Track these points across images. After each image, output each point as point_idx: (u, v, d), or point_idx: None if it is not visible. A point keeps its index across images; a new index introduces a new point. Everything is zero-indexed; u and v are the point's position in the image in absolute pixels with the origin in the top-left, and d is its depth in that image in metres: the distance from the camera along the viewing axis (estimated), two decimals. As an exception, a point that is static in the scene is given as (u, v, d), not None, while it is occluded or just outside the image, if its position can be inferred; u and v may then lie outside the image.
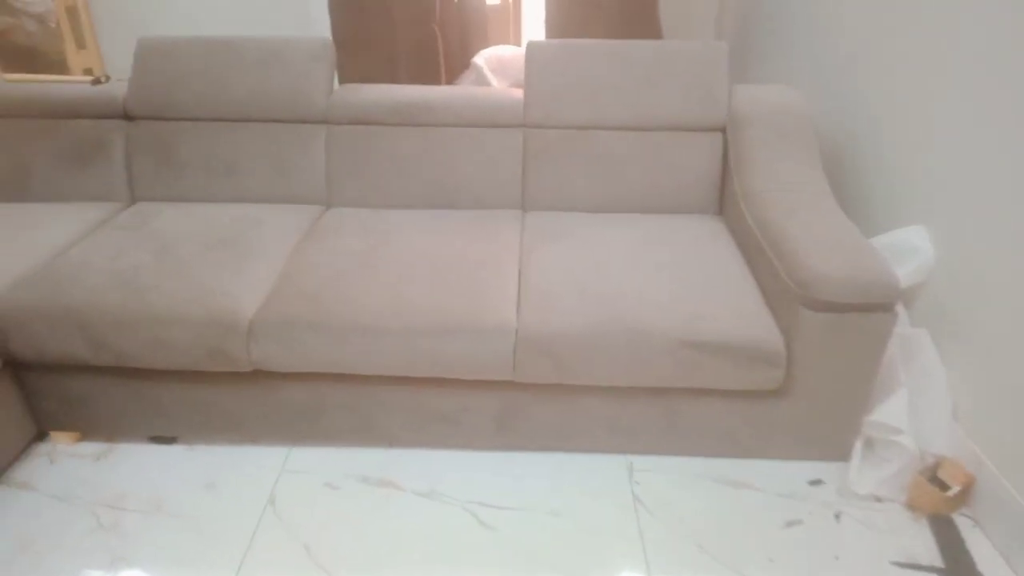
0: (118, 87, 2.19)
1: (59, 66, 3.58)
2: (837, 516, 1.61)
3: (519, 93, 2.15)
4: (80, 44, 3.71)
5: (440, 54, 3.34)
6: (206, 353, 1.60)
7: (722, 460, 1.76)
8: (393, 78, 3.26)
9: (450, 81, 3.53)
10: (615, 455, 1.79)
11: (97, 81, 2.21)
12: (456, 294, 1.64)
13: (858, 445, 1.68)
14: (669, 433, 1.72)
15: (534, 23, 3.93)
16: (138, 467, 1.76)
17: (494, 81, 3.40)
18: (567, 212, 2.11)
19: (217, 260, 1.76)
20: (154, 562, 1.50)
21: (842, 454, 1.71)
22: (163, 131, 2.14)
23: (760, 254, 1.73)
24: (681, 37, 3.53)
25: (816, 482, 1.70)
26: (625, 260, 1.77)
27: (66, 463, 1.78)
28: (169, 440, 1.84)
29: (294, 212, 2.07)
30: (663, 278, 1.69)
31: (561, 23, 3.30)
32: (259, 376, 1.68)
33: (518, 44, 3.92)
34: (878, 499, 1.64)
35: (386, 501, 1.66)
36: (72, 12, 3.65)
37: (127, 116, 2.17)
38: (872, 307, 1.50)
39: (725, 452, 1.75)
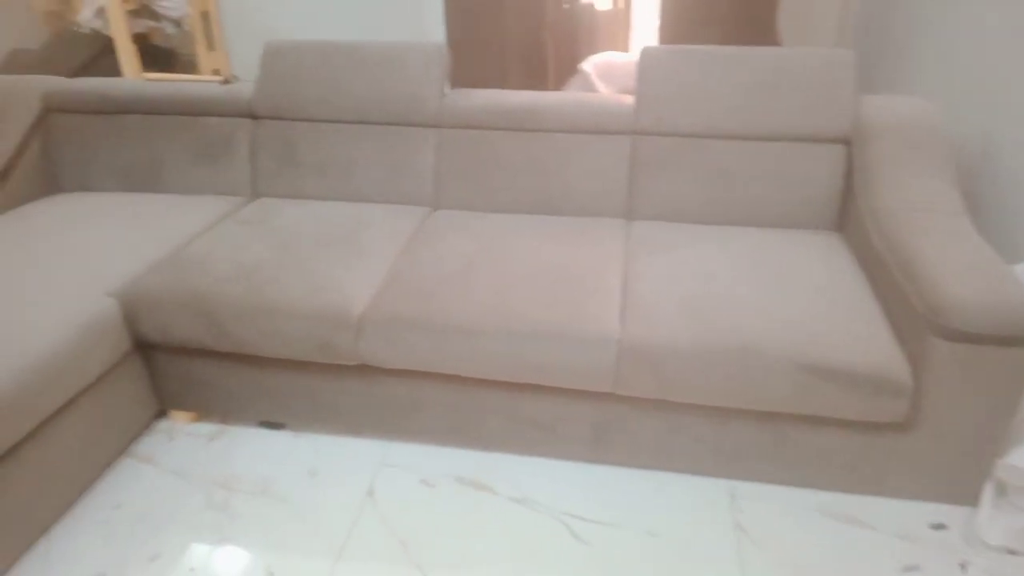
0: (245, 87, 2.31)
1: (191, 67, 3.83)
2: (962, 566, 1.48)
3: (629, 99, 2.12)
4: (210, 46, 3.95)
5: (549, 59, 3.35)
6: (317, 345, 1.66)
7: (834, 494, 1.66)
8: (502, 82, 3.30)
9: (557, 87, 3.52)
10: (717, 479, 1.72)
11: (226, 81, 2.34)
12: (558, 301, 1.63)
13: (988, 489, 1.55)
14: (777, 460, 1.64)
15: (645, 29, 3.87)
16: (248, 450, 1.85)
17: (601, 87, 3.37)
18: (674, 223, 2.05)
19: (330, 257, 1.82)
20: (259, 544, 1.57)
21: (969, 498, 1.58)
22: (285, 130, 2.24)
23: (886, 276, 1.62)
24: (799, 45, 3.38)
25: (939, 526, 1.58)
26: (737, 274, 1.70)
27: (183, 441, 1.88)
28: (278, 426, 1.92)
29: (403, 213, 2.12)
30: (778, 295, 1.62)
31: (675, 29, 3.23)
32: (364, 370, 1.73)
33: (628, 50, 3.87)
34: (1011, 552, 1.50)
35: (480, 503, 1.67)
36: (205, 17, 3.90)
37: (253, 115, 2.28)
38: (1013, 340, 1.37)
39: (838, 486, 1.65)
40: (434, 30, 3.39)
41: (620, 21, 3.97)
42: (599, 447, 1.72)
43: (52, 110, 2.34)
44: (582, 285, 1.69)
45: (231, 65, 3.98)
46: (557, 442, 1.74)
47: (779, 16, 3.23)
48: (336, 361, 1.68)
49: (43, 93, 2.34)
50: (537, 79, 3.41)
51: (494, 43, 3.25)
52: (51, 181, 2.35)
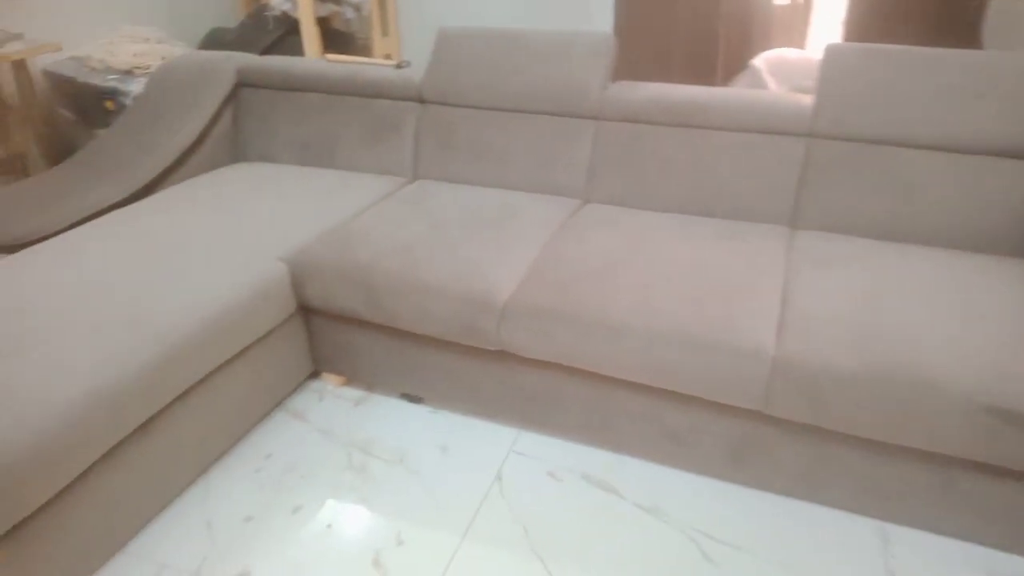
0: (416, 72, 2.40)
1: (366, 51, 4.05)
2: None
3: (806, 99, 1.98)
4: (385, 32, 4.16)
5: (718, 53, 3.21)
6: (461, 327, 1.69)
7: (1005, 554, 1.47)
8: (665, 75, 3.20)
9: (724, 82, 3.37)
10: (867, 518, 1.58)
11: (399, 66, 2.44)
12: (709, 307, 1.55)
13: None
14: (940, 507, 1.47)
15: (826, 24, 3.60)
16: (388, 418, 1.93)
17: (772, 85, 3.17)
18: (845, 235, 1.90)
19: (481, 241, 1.85)
20: (390, 511, 1.63)
21: None
22: (448, 115, 2.31)
23: (1103, 317, 1.40)
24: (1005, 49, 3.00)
25: None
26: (916, 298, 1.54)
27: (331, 402, 2.00)
28: (417, 399, 1.99)
29: (553, 203, 2.12)
30: (963, 325, 1.45)
31: (863, 25, 2.98)
32: (504, 356, 1.75)
33: (804, 47, 3.63)
34: None
35: (606, 505, 1.64)
36: (382, 3, 4.10)
37: (420, 99, 2.36)
38: None
39: (1010, 545, 1.46)
40: (601, 19, 3.35)
41: (798, 16, 3.72)
42: (737, 466, 1.63)
43: (243, 85, 2.56)
44: (737, 292, 1.60)
45: (402, 50, 4.16)
46: (692, 454, 1.67)
47: (986, 20, 2.88)
48: (478, 344, 1.71)
49: (236, 69, 2.55)
50: (703, 73, 3.28)
51: (662, 34, 3.15)
52: (237, 150, 2.57)
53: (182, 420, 1.60)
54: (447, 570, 1.48)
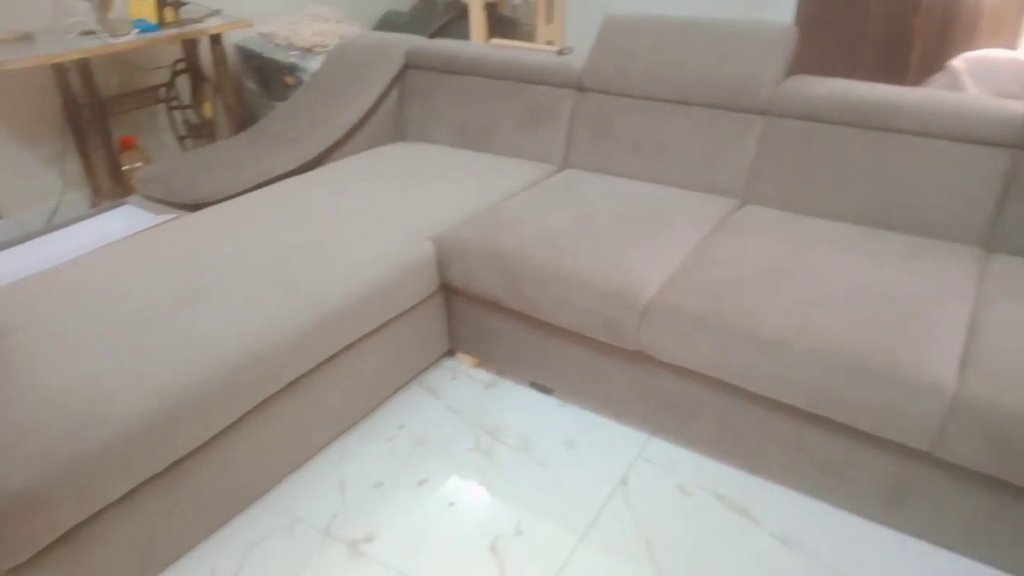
0: (577, 59, 2.35)
1: (530, 37, 4.06)
2: None
3: (1016, 107, 1.72)
4: (549, 18, 4.15)
5: (913, 51, 2.90)
6: (601, 322, 1.64)
7: None
8: (850, 71, 2.94)
9: (917, 83, 3.05)
10: (1051, 591, 1.37)
11: (562, 52, 2.40)
12: (880, 330, 1.39)
13: None
14: None
15: (1048, 22, 3.15)
16: (516, 405, 1.92)
17: (972, 88, 2.82)
18: (1054, 265, 1.64)
19: (629, 236, 1.78)
20: (511, 498, 1.63)
21: None
22: (607, 105, 2.25)
23: None
24: None
25: None
26: None
27: (463, 382, 2.03)
28: (547, 390, 1.97)
29: (709, 202, 2.00)
30: None
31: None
32: (641, 357, 1.68)
33: (1016, 47, 3.20)
34: None
35: (738, 529, 1.53)
36: (548, -11, 4.10)
37: (580, 87, 2.32)
38: None
39: None
40: (780, 10, 3.13)
41: (1011, 13, 3.29)
42: (893, 509, 1.46)
43: (410, 66, 2.64)
44: (914, 318, 1.43)
45: (565, 37, 4.14)
46: (842, 488, 1.52)
47: None
48: (616, 342, 1.66)
49: (406, 50, 2.63)
50: (892, 74, 2.98)
51: (849, 29, 2.89)
52: (399, 129, 2.67)
53: (326, 383, 1.68)
54: (562, 571, 1.45)
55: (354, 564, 1.47)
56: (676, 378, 1.65)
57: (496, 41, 2.59)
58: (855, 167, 1.87)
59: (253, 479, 1.57)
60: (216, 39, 3.07)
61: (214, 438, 1.43)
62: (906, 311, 1.45)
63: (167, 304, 1.53)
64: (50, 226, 2.11)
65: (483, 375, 2.06)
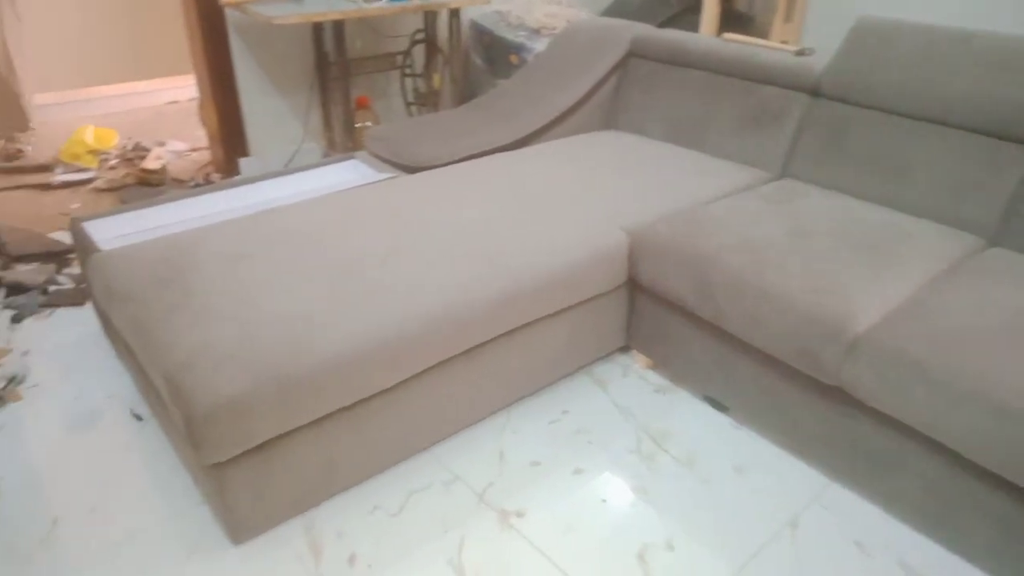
0: (817, 61, 2.17)
1: (763, 35, 3.82)
2: None
3: None
4: (788, 17, 3.88)
5: None
6: (796, 348, 1.51)
7: None
8: None
9: None
10: None
11: (801, 53, 2.23)
12: None
13: None
14: None
15: None
16: (687, 417, 1.84)
17: None
18: None
19: (847, 260, 1.62)
20: (667, 510, 1.56)
21: None
22: (844, 114, 2.05)
23: None
24: None
25: None
26: None
27: (634, 382, 1.98)
28: (722, 407, 1.87)
29: (950, 237, 1.77)
30: None
31: None
32: (837, 394, 1.53)
33: None
34: None
35: (920, 607, 1.35)
36: (793, -13, 3.83)
37: (815, 92, 2.14)
38: None
39: None
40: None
41: None
42: None
43: (634, 54, 2.59)
44: None
45: (802, 39, 3.85)
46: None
47: None
48: (810, 372, 1.52)
49: (632, 37, 2.59)
50: None
51: None
52: (612, 116, 2.64)
53: (503, 354, 1.72)
54: (711, 597, 1.37)
55: (502, 535, 1.50)
56: (876, 425, 1.49)
57: (729, 36, 2.46)
58: None
59: (424, 430, 1.66)
60: (455, 13, 3.23)
61: (398, 385, 1.52)
62: None
63: (378, 254, 1.65)
64: (287, 169, 2.35)
65: (655, 378, 1.99)
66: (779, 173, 2.20)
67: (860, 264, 1.61)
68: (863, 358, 1.42)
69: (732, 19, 3.71)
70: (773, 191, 2.02)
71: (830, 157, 2.07)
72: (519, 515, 1.54)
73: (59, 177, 3.22)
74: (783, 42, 3.75)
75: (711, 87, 2.36)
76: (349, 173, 2.29)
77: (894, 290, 1.55)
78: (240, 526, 1.42)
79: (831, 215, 1.84)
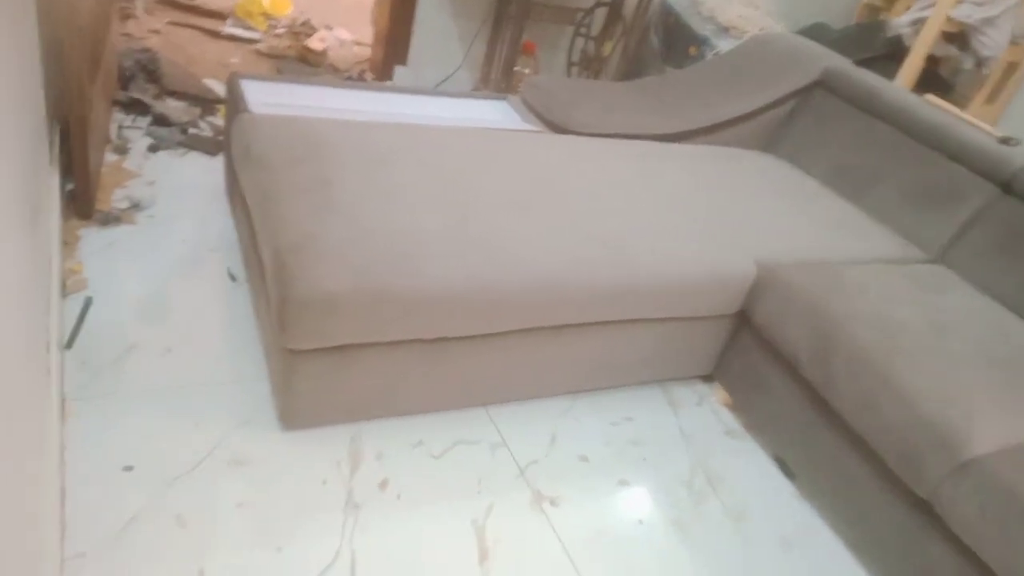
0: (1020, 154, 1.97)
1: (959, 108, 3.52)
2: None
3: None
4: (991, 99, 3.55)
5: None
6: (900, 450, 1.40)
7: None
8: None
9: None
10: None
11: (1006, 141, 2.02)
12: None
13: None
14: None
15: None
16: (749, 469, 1.75)
17: None
18: None
19: (982, 374, 1.48)
20: (701, 554, 1.49)
21: None
22: (1032, 220, 1.86)
23: None
24: None
25: None
26: None
27: (706, 413, 1.89)
28: (791, 473, 1.76)
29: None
30: None
31: None
32: (923, 508, 1.41)
33: None
34: None
35: None
36: (1010, 68, 3.48)
37: (1006, 187, 1.95)
38: None
39: None
40: None
41: None
42: None
43: (821, 85, 2.42)
44: None
45: (999, 124, 3.53)
46: None
47: None
48: (906, 478, 1.40)
49: (825, 68, 2.42)
50: None
51: None
52: (774, 141, 2.49)
53: (588, 343, 1.66)
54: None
55: (531, 515, 1.47)
56: (951, 553, 1.36)
57: (932, 98, 2.26)
58: None
59: (489, 387, 1.63)
60: (646, -13, 3.10)
61: (480, 336, 1.49)
62: None
63: (505, 203, 1.61)
64: (438, 90, 2.33)
65: (730, 419, 1.90)
66: (935, 257, 2.02)
67: (994, 383, 1.47)
68: (969, 483, 1.29)
69: (931, 81, 3.43)
70: (924, 274, 1.86)
71: (998, 260, 1.88)
72: (553, 503, 1.51)
73: (228, 29, 3.32)
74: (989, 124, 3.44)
75: (893, 144, 2.18)
76: (497, 114, 2.25)
77: (1022, 424, 1.40)
78: (294, 413, 1.44)
79: (979, 319, 1.68)
